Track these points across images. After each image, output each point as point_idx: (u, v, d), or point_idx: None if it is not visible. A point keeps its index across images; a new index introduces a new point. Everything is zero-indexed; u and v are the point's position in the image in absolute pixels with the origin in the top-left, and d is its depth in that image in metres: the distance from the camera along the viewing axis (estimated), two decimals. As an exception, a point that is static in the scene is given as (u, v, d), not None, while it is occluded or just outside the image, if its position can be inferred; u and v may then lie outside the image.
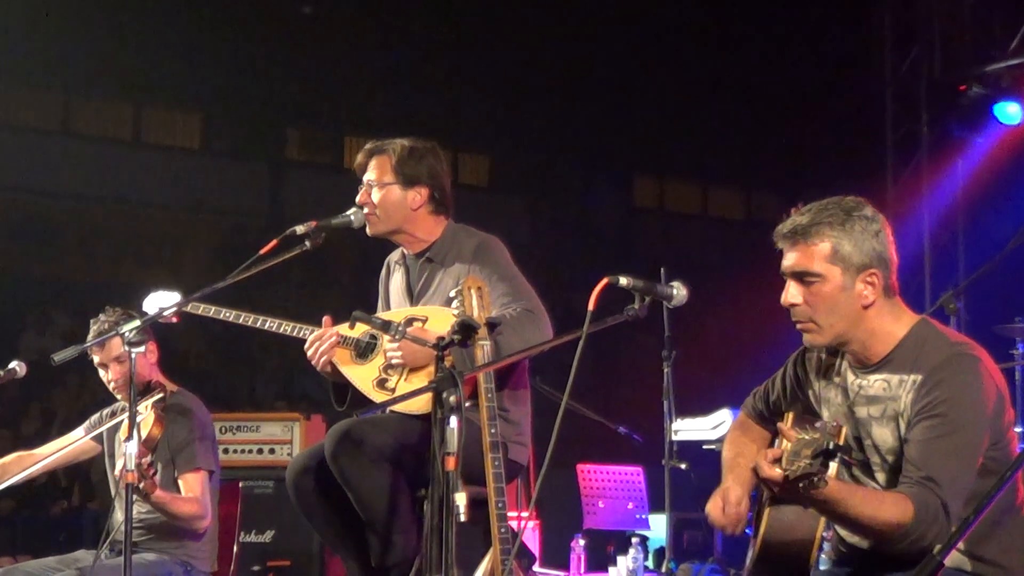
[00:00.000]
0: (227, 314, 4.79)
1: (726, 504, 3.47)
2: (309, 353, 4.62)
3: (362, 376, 4.60)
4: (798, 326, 3.37)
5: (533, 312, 4.46)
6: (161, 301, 4.82)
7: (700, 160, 18.02)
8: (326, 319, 4.68)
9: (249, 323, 4.75)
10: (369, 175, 4.74)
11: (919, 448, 3.19)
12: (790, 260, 3.32)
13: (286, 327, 4.71)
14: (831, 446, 2.84)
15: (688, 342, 7.54)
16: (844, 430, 3.33)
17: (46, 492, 11.50)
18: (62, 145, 15.26)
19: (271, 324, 4.74)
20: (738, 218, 19.73)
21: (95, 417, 5.58)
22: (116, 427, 5.41)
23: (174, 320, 4.76)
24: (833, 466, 2.87)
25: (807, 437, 2.88)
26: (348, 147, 16.81)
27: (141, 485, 4.79)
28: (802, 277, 3.30)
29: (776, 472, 2.94)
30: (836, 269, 3.27)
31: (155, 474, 4.90)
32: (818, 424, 2.92)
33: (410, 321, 4.56)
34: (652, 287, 3.71)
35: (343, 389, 4.70)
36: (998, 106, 9.61)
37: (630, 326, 3.82)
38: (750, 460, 3.57)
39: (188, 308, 4.77)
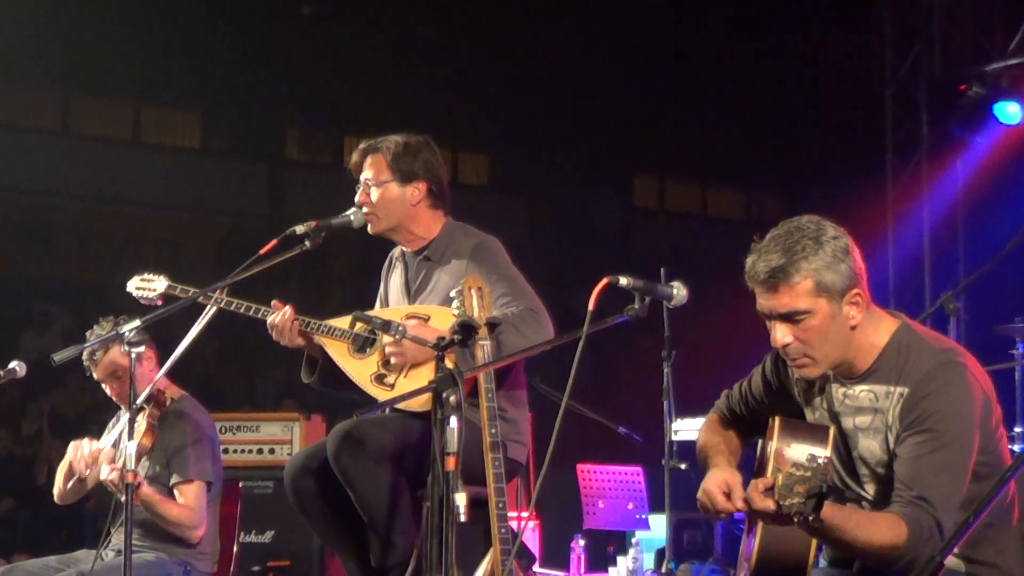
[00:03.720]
0: (194, 293, 4.77)
1: (732, 491, 3.34)
2: (274, 336, 4.64)
3: (360, 371, 4.61)
4: (792, 363, 3.33)
5: (535, 311, 4.46)
6: (145, 283, 4.90)
7: (700, 160, 18.01)
8: (275, 303, 4.67)
9: (211, 303, 4.74)
10: (366, 174, 4.74)
11: (909, 466, 3.17)
12: (772, 302, 3.24)
13: (248, 308, 4.71)
14: (824, 489, 2.83)
15: (688, 342, 7.54)
16: (831, 431, 3.32)
17: (45, 492, 11.50)
18: (62, 145, 15.25)
19: (236, 305, 4.73)
20: (738, 218, 19.72)
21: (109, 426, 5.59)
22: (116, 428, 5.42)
23: (158, 303, 4.82)
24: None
25: (798, 473, 2.86)
26: (348, 147, 16.78)
27: (123, 499, 4.84)
28: (790, 317, 3.23)
29: (769, 505, 2.93)
30: (822, 300, 3.21)
31: (139, 486, 4.91)
32: (808, 457, 2.91)
33: (412, 317, 4.56)
34: (652, 287, 3.71)
35: (314, 362, 4.72)
36: (998, 106, 9.61)
37: (630, 326, 3.82)
38: (731, 446, 3.60)
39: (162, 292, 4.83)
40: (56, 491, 5.40)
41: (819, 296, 3.21)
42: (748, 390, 3.63)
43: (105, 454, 5.13)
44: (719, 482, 3.37)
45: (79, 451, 5.21)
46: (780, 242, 3.23)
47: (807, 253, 3.20)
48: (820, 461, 2.88)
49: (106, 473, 4.99)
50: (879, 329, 3.31)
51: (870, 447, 3.31)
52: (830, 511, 2.95)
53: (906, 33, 10.57)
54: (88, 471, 5.16)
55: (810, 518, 2.85)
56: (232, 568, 6.32)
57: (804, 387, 3.47)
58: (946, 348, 3.31)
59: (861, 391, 3.32)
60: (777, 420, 3.41)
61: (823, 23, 14.24)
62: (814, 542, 3.35)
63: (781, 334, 3.26)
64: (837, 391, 3.37)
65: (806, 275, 3.20)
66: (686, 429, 7.31)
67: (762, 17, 15.15)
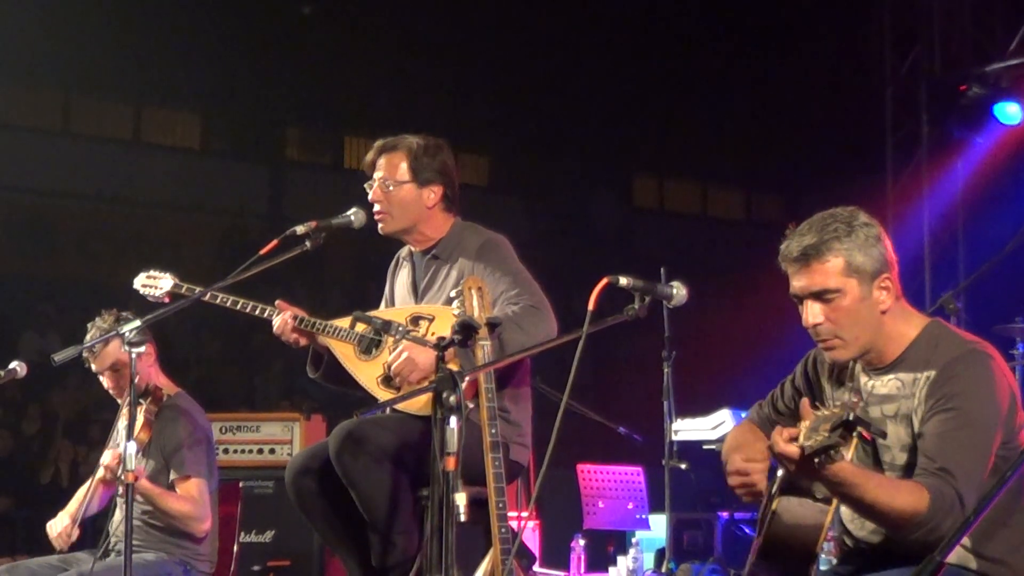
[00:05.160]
0: (199, 292, 4.78)
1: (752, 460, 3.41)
2: (282, 339, 4.66)
3: (366, 373, 4.60)
4: (822, 345, 3.37)
5: (537, 307, 4.45)
6: (151, 280, 4.91)
7: (700, 160, 18.02)
8: (279, 303, 4.70)
9: (218, 302, 4.75)
10: (380, 172, 4.71)
11: (934, 441, 3.21)
12: (805, 281, 3.32)
13: (254, 307, 4.72)
14: (851, 417, 2.83)
15: (688, 342, 7.54)
16: (862, 402, 3.34)
17: (46, 491, 11.51)
18: (62, 145, 15.26)
19: (241, 304, 4.74)
20: (738, 218, 19.74)
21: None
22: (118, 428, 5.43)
23: (164, 300, 4.84)
24: (852, 441, 2.87)
25: (826, 413, 2.89)
26: (348, 147, 16.81)
27: (119, 492, 4.88)
28: (821, 295, 3.31)
29: (792, 448, 2.95)
30: (853, 281, 3.29)
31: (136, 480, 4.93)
32: (838, 403, 2.93)
33: (417, 317, 4.57)
34: (652, 287, 3.71)
35: (319, 357, 4.73)
36: (998, 106, 9.60)
37: (630, 326, 3.82)
38: (755, 447, 3.58)
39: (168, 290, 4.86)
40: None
41: (850, 276, 3.29)
42: (780, 396, 3.68)
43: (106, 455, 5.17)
44: (743, 460, 3.42)
45: (53, 531, 5.32)
46: (814, 225, 3.34)
47: (839, 234, 3.30)
48: (851, 400, 2.89)
49: (107, 459, 5.02)
50: (910, 322, 3.38)
51: (896, 433, 3.34)
52: (851, 468, 3.01)
53: (906, 33, 10.57)
54: (67, 547, 5.28)
55: (834, 452, 2.85)
56: (232, 568, 6.31)
57: (833, 386, 3.51)
58: (976, 340, 3.37)
59: (889, 380, 3.37)
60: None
61: (823, 23, 14.25)
62: (822, 538, 3.34)
63: (812, 314, 3.32)
64: (865, 383, 3.42)
65: (837, 254, 3.29)
66: (686, 429, 7.32)
67: (762, 17, 15.16)
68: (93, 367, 5.37)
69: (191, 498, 5.21)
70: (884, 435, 3.31)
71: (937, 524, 3.08)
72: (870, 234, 3.31)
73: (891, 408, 3.36)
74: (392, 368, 4.47)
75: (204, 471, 5.28)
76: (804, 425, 2.93)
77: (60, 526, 5.33)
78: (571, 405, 3.84)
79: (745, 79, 16.01)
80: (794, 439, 2.95)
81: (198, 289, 4.80)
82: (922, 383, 3.30)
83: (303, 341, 4.68)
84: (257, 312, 4.72)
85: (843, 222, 3.31)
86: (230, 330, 14.09)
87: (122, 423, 5.30)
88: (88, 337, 5.22)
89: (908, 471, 3.30)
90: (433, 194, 4.69)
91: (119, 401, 5.43)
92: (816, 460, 2.89)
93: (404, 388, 4.49)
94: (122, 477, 4.73)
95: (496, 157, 17.72)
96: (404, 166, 4.68)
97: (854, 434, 2.87)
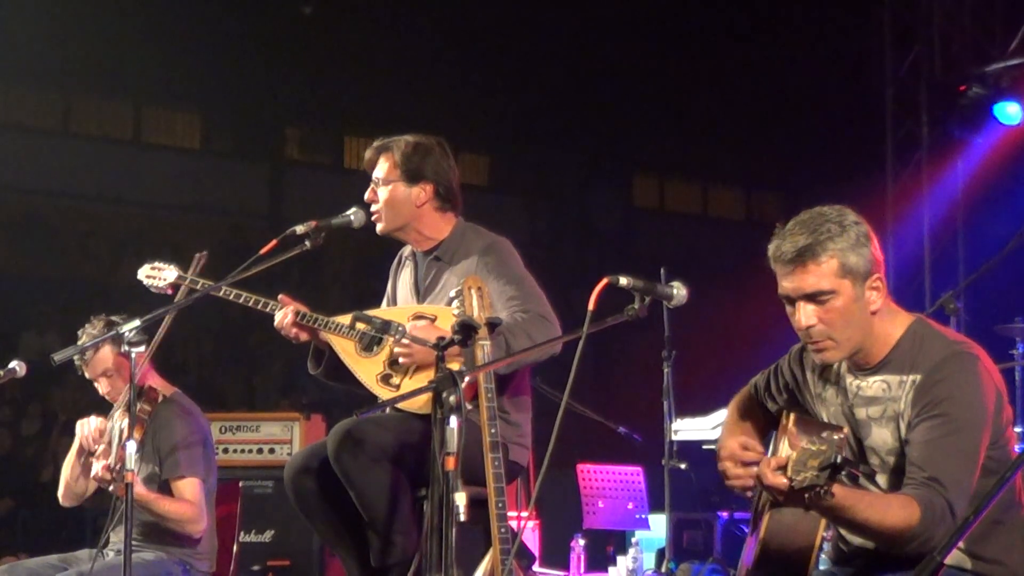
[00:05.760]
0: (205, 284, 4.77)
1: (748, 445, 3.40)
2: (282, 333, 4.65)
3: (366, 370, 4.61)
4: (813, 347, 3.35)
5: (546, 318, 4.46)
6: (155, 272, 4.89)
7: (700, 160, 18.01)
8: (281, 297, 4.68)
9: (220, 294, 4.72)
10: (377, 172, 4.73)
11: (922, 449, 3.19)
12: (798, 282, 3.28)
13: (256, 301, 4.71)
14: (838, 460, 2.81)
15: (688, 342, 7.54)
16: (846, 430, 3.33)
17: (46, 491, 11.52)
18: (62, 145, 15.26)
19: (244, 298, 4.72)
20: (738, 218, 19.73)
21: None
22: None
23: (168, 292, 4.83)
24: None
25: (813, 448, 2.85)
26: (348, 147, 16.81)
27: (111, 488, 4.90)
28: (815, 297, 3.27)
29: (781, 480, 2.94)
30: (846, 282, 3.26)
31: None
32: (824, 434, 2.90)
33: (419, 317, 4.57)
34: (652, 287, 3.71)
35: (320, 353, 4.73)
36: (998, 106, 9.60)
37: (630, 326, 3.82)
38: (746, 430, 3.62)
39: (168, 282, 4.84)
40: (61, 490, 5.40)
41: (843, 277, 3.26)
42: (768, 381, 3.66)
43: (99, 451, 5.15)
44: (735, 444, 3.40)
45: (85, 427, 5.22)
46: (805, 226, 3.29)
47: (832, 235, 3.26)
48: (836, 436, 2.86)
49: (96, 469, 5.01)
50: (895, 321, 3.36)
51: (882, 436, 3.33)
52: (842, 491, 2.97)
53: (906, 33, 10.57)
54: (98, 447, 5.16)
55: (822, 491, 2.83)
56: (232, 568, 6.31)
57: (819, 383, 3.49)
58: (960, 340, 3.36)
59: (875, 382, 3.36)
60: (792, 415, 3.44)
61: (823, 23, 14.24)
62: (817, 545, 3.35)
63: (805, 316, 3.29)
64: (851, 383, 3.40)
65: (832, 255, 3.26)
66: (686, 429, 7.32)
67: (762, 17, 15.16)
68: (86, 374, 5.35)
69: (186, 500, 5.20)
70: (873, 474, 3.32)
71: (930, 536, 3.07)
72: (860, 233, 3.29)
73: (877, 410, 3.34)
74: (396, 350, 4.47)
75: (200, 471, 5.27)
76: (792, 457, 2.90)
77: (96, 424, 5.23)
78: (571, 405, 3.83)
79: (745, 79, 16.00)
80: (781, 468, 2.94)
81: (201, 281, 4.79)
82: (908, 386, 3.28)
83: (303, 337, 4.68)
84: (259, 306, 4.71)
85: (835, 222, 3.28)
86: (229, 330, 14.09)
87: (115, 425, 5.30)
88: (80, 344, 5.20)
89: (895, 474, 3.29)
90: (424, 193, 4.70)
91: (115, 404, 5.42)
92: (806, 496, 2.88)
93: (403, 386, 4.50)
94: (114, 476, 4.73)
95: (496, 157, 17.72)
96: (394, 165, 4.69)
97: (842, 473, 2.85)
